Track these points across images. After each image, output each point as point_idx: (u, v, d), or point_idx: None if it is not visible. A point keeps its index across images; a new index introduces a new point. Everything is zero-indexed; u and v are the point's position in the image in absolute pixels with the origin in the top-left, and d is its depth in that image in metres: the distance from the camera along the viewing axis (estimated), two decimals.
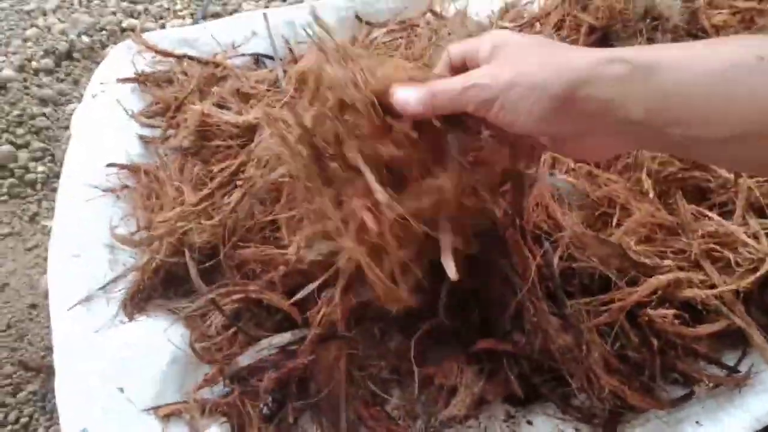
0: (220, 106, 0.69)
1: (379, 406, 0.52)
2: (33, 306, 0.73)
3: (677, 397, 0.53)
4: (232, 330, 0.55)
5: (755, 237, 0.55)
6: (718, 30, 0.70)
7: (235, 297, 0.55)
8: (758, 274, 0.53)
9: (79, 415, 0.45)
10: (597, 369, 0.51)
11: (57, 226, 0.61)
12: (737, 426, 0.53)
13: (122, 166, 0.66)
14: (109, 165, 0.66)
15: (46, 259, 0.78)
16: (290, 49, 0.81)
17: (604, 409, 0.53)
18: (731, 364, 0.55)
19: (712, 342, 0.55)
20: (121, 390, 0.49)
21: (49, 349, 0.71)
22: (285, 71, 0.76)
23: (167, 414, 0.52)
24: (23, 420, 0.65)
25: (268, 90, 0.73)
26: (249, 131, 0.67)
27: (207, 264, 0.58)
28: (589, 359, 0.47)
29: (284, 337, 0.53)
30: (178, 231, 0.55)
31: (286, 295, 0.54)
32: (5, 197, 0.84)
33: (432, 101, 0.37)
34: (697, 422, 0.53)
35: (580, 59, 0.34)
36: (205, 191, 0.59)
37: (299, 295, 0.52)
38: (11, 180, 0.85)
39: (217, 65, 0.76)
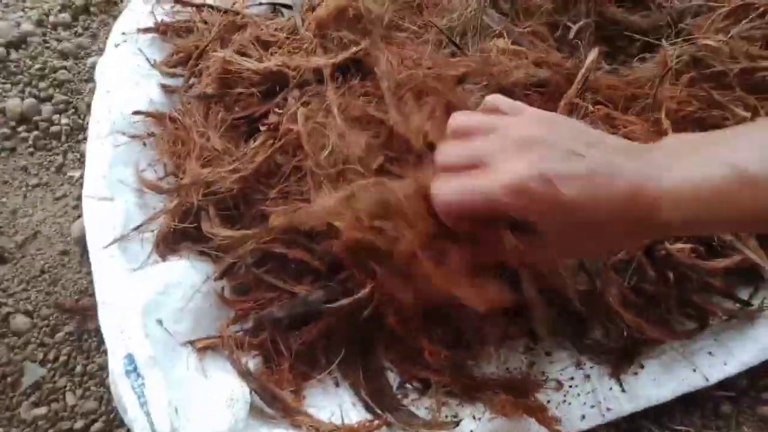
0: (241, 54, 0.70)
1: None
2: (64, 252, 0.76)
3: (692, 328, 0.55)
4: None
5: None
6: None
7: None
8: None
9: (124, 342, 0.48)
10: (614, 304, 0.53)
11: (88, 170, 0.63)
12: (747, 356, 0.55)
13: (148, 114, 0.68)
14: (136, 113, 0.68)
15: (74, 207, 0.81)
16: None
17: (620, 343, 0.55)
18: (744, 298, 0.57)
19: (726, 277, 0.56)
20: (160, 322, 0.52)
21: (82, 292, 0.74)
22: (303, 19, 0.76)
23: (203, 347, 0.54)
24: (62, 358, 0.68)
25: (287, 38, 0.74)
26: (270, 78, 0.68)
27: (232, 211, 0.59)
28: (605, 295, 0.49)
29: (318, 294, 0.54)
30: (205, 178, 0.57)
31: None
32: (31, 149, 0.86)
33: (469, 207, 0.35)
34: (709, 353, 0.56)
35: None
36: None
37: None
38: (36, 133, 0.86)
39: (236, 14, 0.76)
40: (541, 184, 0.32)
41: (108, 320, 0.50)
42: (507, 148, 0.34)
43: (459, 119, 0.39)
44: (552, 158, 0.33)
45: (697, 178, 0.32)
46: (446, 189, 0.36)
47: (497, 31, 0.63)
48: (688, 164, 0.33)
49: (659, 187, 0.32)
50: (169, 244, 0.60)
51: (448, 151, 0.38)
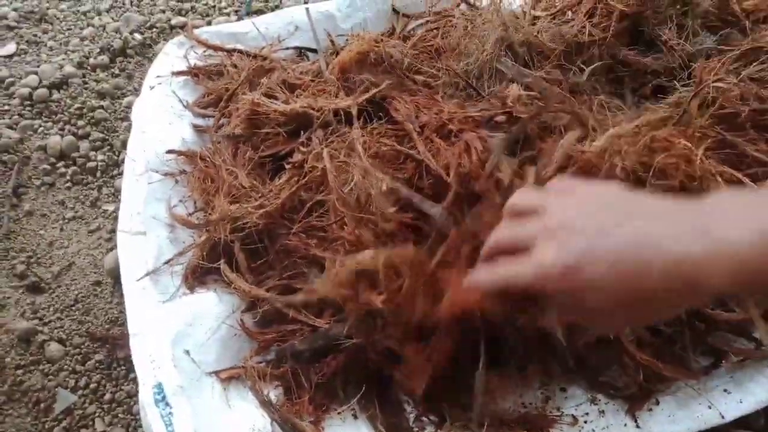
0: (268, 96, 0.74)
1: None
2: (97, 283, 0.80)
3: (707, 366, 0.56)
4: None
5: None
6: (749, 14, 0.71)
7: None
8: None
9: (153, 372, 0.50)
10: (629, 346, 0.53)
11: (123, 206, 0.67)
12: (764, 394, 0.55)
13: (180, 153, 0.72)
14: (169, 152, 0.71)
15: (108, 240, 0.85)
16: (332, 41, 0.85)
17: (636, 381, 0.56)
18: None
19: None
20: (187, 352, 0.54)
21: (113, 322, 0.77)
22: (327, 62, 0.80)
23: (227, 377, 0.57)
24: (92, 386, 0.71)
25: (312, 80, 0.77)
26: (295, 118, 0.72)
27: (258, 245, 0.62)
28: (621, 337, 0.50)
29: (339, 328, 0.55)
30: (233, 214, 0.60)
31: None
32: (69, 184, 0.91)
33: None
34: (725, 390, 0.56)
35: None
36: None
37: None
38: (74, 168, 0.91)
39: (264, 58, 0.80)
40: (565, 269, 0.34)
41: (139, 350, 0.53)
42: (544, 234, 0.36)
43: (514, 200, 0.41)
44: (578, 242, 0.34)
45: (744, 242, 0.32)
46: (484, 276, 0.40)
47: (510, 77, 0.65)
48: (735, 226, 0.32)
49: (703, 253, 0.32)
50: (197, 276, 0.63)
51: (498, 234, 0.41)
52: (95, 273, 0.81)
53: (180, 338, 0.55)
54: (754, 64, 0.65)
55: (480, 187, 0.59)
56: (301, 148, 0.69)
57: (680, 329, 0.54)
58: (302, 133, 0.72)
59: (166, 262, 0.61)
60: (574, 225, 0.36)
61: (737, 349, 0.57)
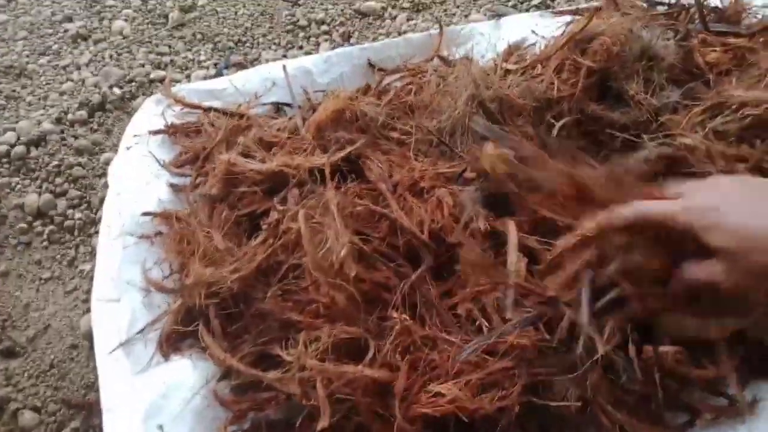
0: (245, 155, 0.74)
1: None
2: (73, 346, 0.78)
3: (683, 423, 0.56)
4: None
5: None
6: (712, 67, 0.74)
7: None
8: None
9: None
10: (606, 406, 0.53)
11: (97, 272, 0.66)
12: None
13: (156, 214, 0.72)
14: (144, 214, 0.71)
15: (84, 301, 0.84)
16: (308, 98, 0.86)
17: None
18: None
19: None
20: (161, 428, 0.53)
21: (89, 387, 0.75)
22: (304, 119, 0.80)
23: None
24: None
25: (289, 137, 0.78)
26: (272, 177, 0.72)
27: (233, 310, 0.62)
28: (597, 398, 0.50)
29: None
30: (207, 278, 0.60)
31: None
32: (45, 243, 0.90)
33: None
34: None
35: None
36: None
37: None
38: (51, 227, 0.91)
39: (241, 116, 0.81)
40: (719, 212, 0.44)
41: (112, 428, 0.52)
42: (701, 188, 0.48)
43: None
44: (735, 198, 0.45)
45: None
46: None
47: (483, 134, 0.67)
48: None
49: None
50: (172, 343, 0.62)
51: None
52: (71, 336, 0.80)
53: (153, 412, 0.54)
54: (719, 117, 0.67)
55: (455, 239, 0.60)
56: (278, 207, 0.69)
57: (653, 388, 0.53)
58: (279, 190, 0.72)
59: (139, 332, 0.60)
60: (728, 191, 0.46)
61: (710, 406, 0.57)
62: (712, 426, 0.56)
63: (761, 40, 0.80)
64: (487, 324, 0.54)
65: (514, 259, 0.57)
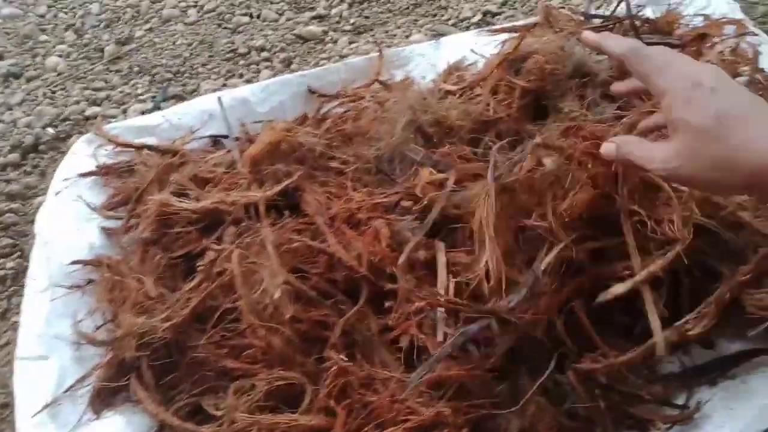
0: (179, 194, 0.72)
1: None
2: (5, 405, 0.74)
3: None
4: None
5: None
6: None
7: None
8: None
9: None
10: None
11: (22, 328, 0.62)
12: None
13: (85, 262, 0.68)
14: (73, 262, 0.68)
15: None
16: (246, 130, 0.84)
17: None
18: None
19: (662, 383, 0.57)
20: None
21: None
22: (241, 152, 0.78)
23: None
24: None
25: (226, 172, 0.76)
26: (207, 215, 0.70)
27: (167, 360, 0.59)
28: (537, 426, 0.49)
29: None
30: (138, 329, 0.57)
31: None
32: None
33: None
34: None
35: None
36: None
37: None
38: None
39: (174, 153, 0.78)
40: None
41: None
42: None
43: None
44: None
45: None
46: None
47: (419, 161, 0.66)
48: None
49: None
50: (104, 399, 0.59)
51: None
52: (3, 393, 0.75)
53: None
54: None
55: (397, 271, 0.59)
56: (213, 247, 0.67)
57: (598, 409, 0.52)
58: (215, 228, 0.70)
59: (66, 391, 0.57)
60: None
61: (663, 415, 0.56)
62: None
63: (693, 49, 0.81)
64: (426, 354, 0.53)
65: (443, 278, 0.56)
